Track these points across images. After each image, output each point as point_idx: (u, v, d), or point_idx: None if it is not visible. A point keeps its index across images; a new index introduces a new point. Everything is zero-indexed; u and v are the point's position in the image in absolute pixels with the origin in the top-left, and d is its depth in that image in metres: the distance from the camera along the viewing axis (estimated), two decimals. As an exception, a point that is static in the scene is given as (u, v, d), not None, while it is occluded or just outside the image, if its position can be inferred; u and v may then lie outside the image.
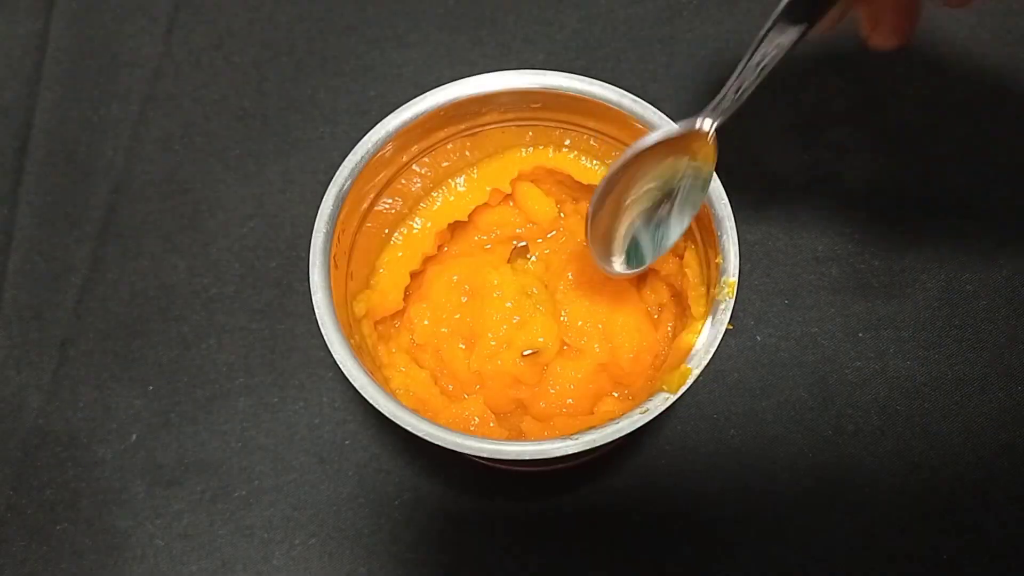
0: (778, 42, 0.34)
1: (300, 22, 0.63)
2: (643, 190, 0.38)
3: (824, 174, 0.56)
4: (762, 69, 0.35)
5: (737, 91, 0.35)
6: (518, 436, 0.45)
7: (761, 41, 0.34)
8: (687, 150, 0.37)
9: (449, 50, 0.62)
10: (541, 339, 0.45)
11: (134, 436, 0.52)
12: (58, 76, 0.62)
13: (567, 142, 0.46)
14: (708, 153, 0.36)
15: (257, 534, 0.50)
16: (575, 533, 0.49)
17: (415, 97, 0.42)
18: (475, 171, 0.47)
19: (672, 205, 0.39)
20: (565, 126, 0.45)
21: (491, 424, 0.44)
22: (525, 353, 0.45)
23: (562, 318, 0.46)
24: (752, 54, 0.34)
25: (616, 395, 0.45)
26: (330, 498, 0.50)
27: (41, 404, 0.53)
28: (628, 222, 0.39)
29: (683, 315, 0.44)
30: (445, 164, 0.46)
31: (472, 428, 0.43)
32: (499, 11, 0.63)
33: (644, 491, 0.50)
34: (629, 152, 0.36)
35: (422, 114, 0.41)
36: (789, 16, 0.33)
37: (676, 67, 0.60)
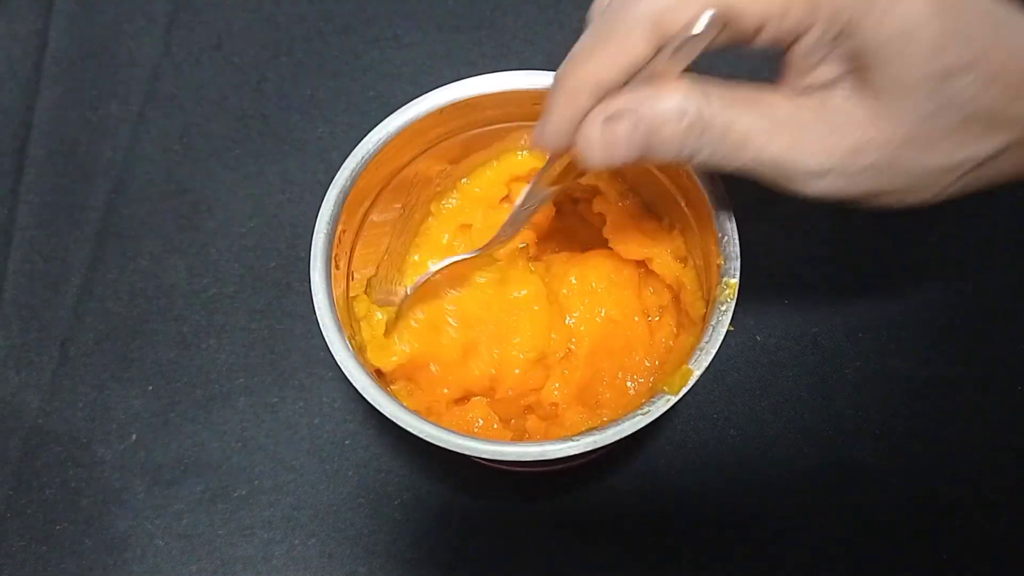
0: (541, 196, 0.39)
1: (300, 22, 0.63)
2: None
3: (824, 174, 0.56)
4: (526, 212, 0.41)
5: (508, 231, 0.42)
6: (522, 436, 0.45)
7: (525, 196, 0.39)
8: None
9: (449, 50, 0.62)
10: (518, 340, 0.45)
11: (134, 436, 0.52)
12: (58, 76, 0.62)
13: None
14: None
15: (257, 534, 0.50)
16: (575, 533, 0.49)
17: (415, 97, 0.42)
18: (475, 172, 0.47)
19: None
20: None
21: (495, 426, 0.44)
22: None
23: (568, 321, 0.46)
24: (519, 206, 0.40)
25: (624, 391, 0.45)
26: (330, 498, 0.50)
27: (41, 404, 0.53)
28: None
29: (684, 317, 0.44)
30: (446, 165, 0.46)
31: (476, 430, 0.43)
32: (499, 11, 0.63)
33: (644, 491, 0.50)
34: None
35: (422, 115, 0.41)
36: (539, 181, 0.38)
37: (676, 67, 0.60)
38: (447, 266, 0.43)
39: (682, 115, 0.30)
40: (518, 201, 0.39)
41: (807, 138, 0.30)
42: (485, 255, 0.43)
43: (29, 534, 0.50)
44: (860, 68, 0.29)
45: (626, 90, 0.31)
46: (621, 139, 0.31)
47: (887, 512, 0.48)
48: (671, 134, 0.30)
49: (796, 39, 0.30)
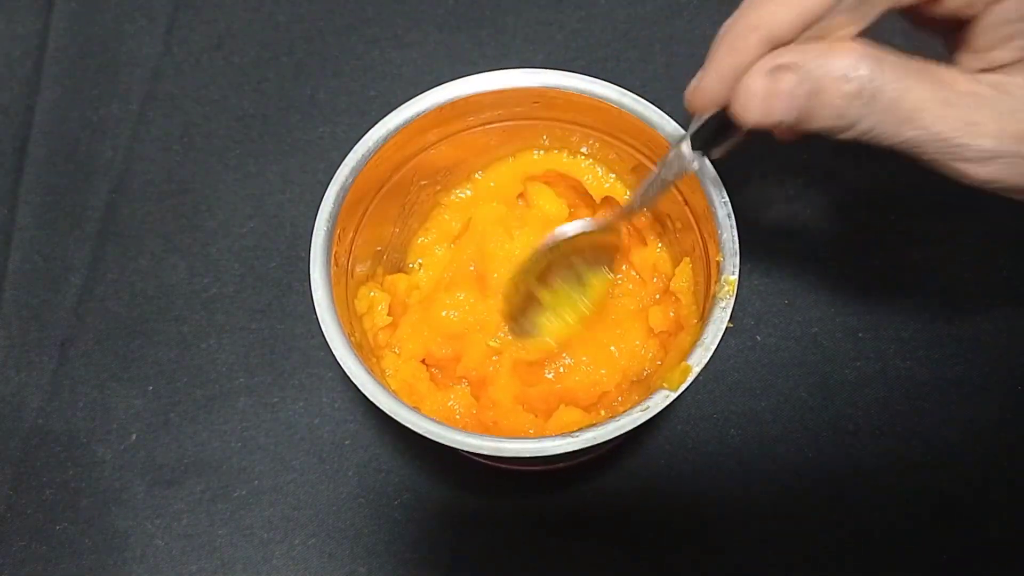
0: (679, 166, 0.37)
1: (300, 22, 0.63)
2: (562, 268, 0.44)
3: (824, 174, 0.56)
4: (667, 182, 0.38)
5: (642, 203, 0.40)
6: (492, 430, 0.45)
7: (665, 164, 0.37)
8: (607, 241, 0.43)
9: (449, 50, 0.62)
10: (495, 341, 0.45)
11: (134, 436, 0.52)
12: (58, 76, 0.62)
13: (584, 149, 0.46)
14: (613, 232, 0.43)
15: (257, 534, 0.50)
16: (575, 532, 0.49)
17: (415, 97, 0.42)
18: (490, 167, 0.47)
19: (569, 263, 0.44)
20: (566, 125, 0.45)
21: (473, 411, 0.44)
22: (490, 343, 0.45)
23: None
24: (659, 173, 0.38)
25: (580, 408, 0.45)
26: (330, 498, 0.50)
27: (41, 404, 0.53)
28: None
29: (682, 315, 0.44)
30: (448, 163, 0.46)
31: (457, 418, 0.44)
32: (499, 11, 0.63)
33: (644, 491, 0.50)
34: (554, 234, 0.42)
35: (422, 113, 0.41)
36: (688, 145, 0.36)
37: (676, 67, 0.60)
38: (576, 235, 0.42)
39: (852, 77, 0.28)
40: (655, 170, 0.38)
41: (981, 117, 0.28)
42: (609, 227, 0.42)
43: (29, 534, 0.50)
44: None
45: (795, 45, 0.29)
46: (784, 93, 0.29)
47: (887, 512, 0.48)
48: (838, 96, 0.28)
49: (984, 9, 0.28)
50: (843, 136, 0.30)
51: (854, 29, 0.29)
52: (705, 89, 0.32)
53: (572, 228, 0.42)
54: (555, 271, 0.43)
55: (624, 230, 0.43)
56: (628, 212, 0.41)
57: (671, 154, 0.37)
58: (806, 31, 0.30)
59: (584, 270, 0.44)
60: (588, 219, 0.43)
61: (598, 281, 0.44)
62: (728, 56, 0.31)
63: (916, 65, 0.29)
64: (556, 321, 0.44)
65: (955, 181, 0.30)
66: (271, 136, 0.60)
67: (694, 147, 0.36)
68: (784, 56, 0.29)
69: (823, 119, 0.29)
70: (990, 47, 0.29)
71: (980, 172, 0.29)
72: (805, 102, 0.29)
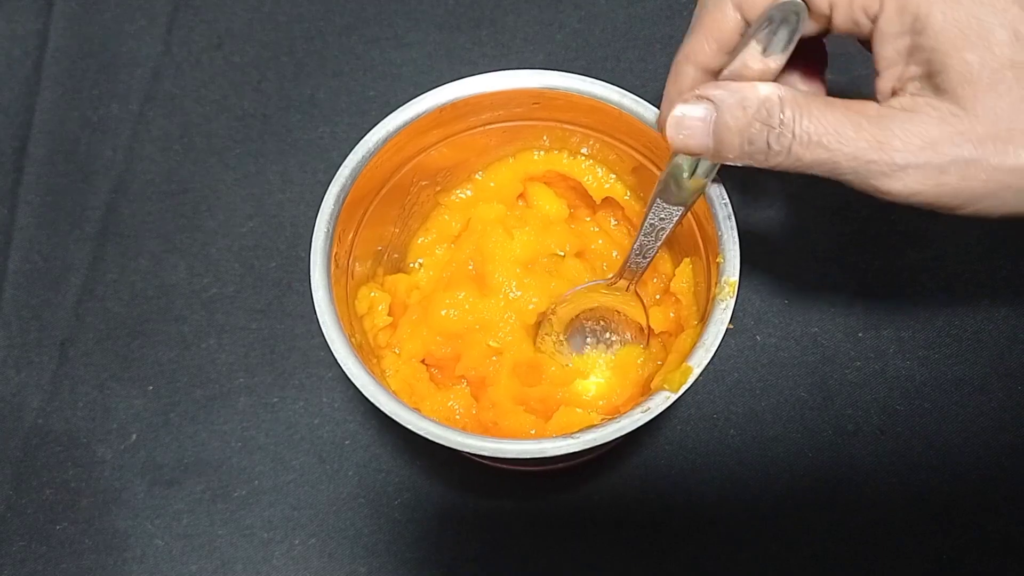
0: (663, 215, 0.38)
1: (300, 22, 0.63)
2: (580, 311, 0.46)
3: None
4: (658, 233, 0.39)
5: (639, 254, 0.41)
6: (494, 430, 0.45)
7: (648, 214, 0.38)
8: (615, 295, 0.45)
9: (449, 50, 0.62)
10: (495, 340, 0.45)
11: (134, 436, 0.52)
12: (58, 76, 0.62)
13: (584, 150, 0.46)
14: (632, 303, 0.44)
15: (257, 534, 0.50)
16: (575, 533, 0.49)
17: (415, 97, 0.42)
18: (490, 168, 0.47)
19: (602, 331, 0.47)
20: (566, 126, 0.45)
21: (473, 411, 0.44)
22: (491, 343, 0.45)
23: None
24: (643, 227, 0.39)
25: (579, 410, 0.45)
26: (330, 498, 0.50)
27: (41, 404, 0.53)
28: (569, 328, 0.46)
29: (683, 317, 0.44)
30: (448, 163, 0.46)
31: (457, 418, 0.44)
32: (499, 11, 0.63)
33: (644, 491, 0.50)
34: (577, 288, 0.45)
35: (423, 114, 0.41)
36: (665, 198, 0.37)
37: (676, 67, 0.60)
38: (581, 290, 0.45)
39: (763, 106, 0.30)
40: (644, 227, 0.39)
41: (888, 136, 0.29)
42: (612, 286, 0.44)
43: (29, 534, 0.50)
44: (933, 68, 0.29)
45: (718, 80, 0.33)
46: (699, 119, 0.32)
47: (887, 512, 0.48)
48: (748, 124, 0.31)
49: (873, 29, 0.30)
50: (764, 164, 0.32)
51: (774, 66, 0.32)
52: (662, 117, 0.36)
53: (576, 288, 0.45)
54: (589, 340, 0.46)
55: (639, 297, 0.44)
56: (629, 270, 0.42)
57: (650, 206, 0.38)
58: (730, 58, 0.33)
59: (616, 343, 0.46)
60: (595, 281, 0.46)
61: (626, 352, 0.46)
62: (672, 85, 0.35)
63: (826, 99, 0.31)
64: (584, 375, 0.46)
65: (880, 200, 0.32)
66: (271, 136, 0.60)
67: (668, 199, 0.37)
68: (705, 88, 0.32)
69: (737, 146, 0.32)
70: (891, 64, 0.31)
71: (896, 186, 0.30)
72: (719, 129, 0.32)
